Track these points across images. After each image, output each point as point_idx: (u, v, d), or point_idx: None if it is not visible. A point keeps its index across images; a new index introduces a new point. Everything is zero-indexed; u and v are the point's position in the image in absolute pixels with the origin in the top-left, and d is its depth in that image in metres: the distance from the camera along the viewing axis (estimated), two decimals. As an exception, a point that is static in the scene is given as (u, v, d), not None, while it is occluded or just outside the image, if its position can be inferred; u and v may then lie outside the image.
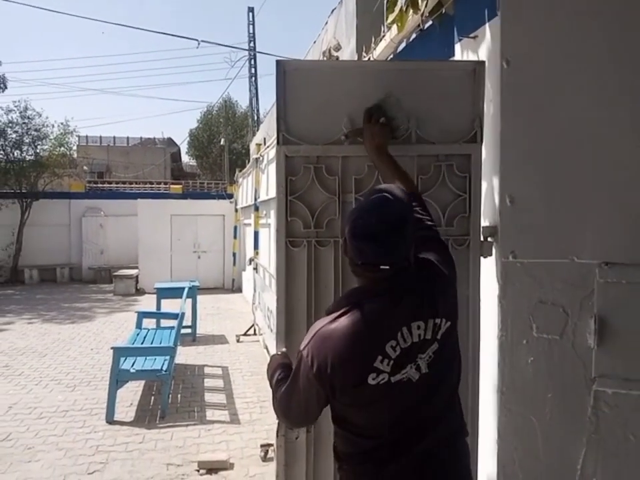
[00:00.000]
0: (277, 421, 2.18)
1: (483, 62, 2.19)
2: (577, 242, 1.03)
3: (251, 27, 23.65)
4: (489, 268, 2.28)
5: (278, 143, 2.11)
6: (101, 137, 36.20)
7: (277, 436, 2.13)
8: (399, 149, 2.15)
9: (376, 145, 1.99)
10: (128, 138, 37.53)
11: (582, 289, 0.99)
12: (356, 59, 4.67)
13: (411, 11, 2.66)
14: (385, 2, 2.98)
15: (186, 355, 7.26)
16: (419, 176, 2.15)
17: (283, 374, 1.72)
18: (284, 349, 2.05)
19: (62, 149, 16.38)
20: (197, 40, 11.40)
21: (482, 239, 2.24)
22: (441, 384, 1.55)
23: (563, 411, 0.99)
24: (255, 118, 24.64)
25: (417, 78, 2.16)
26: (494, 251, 2.28)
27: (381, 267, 1.44)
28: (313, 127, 2.13)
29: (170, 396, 5.42)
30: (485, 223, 2.28)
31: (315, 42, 7.16)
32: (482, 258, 2.24)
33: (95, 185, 18.56)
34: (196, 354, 7.46)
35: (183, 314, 6.17)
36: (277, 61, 2.11)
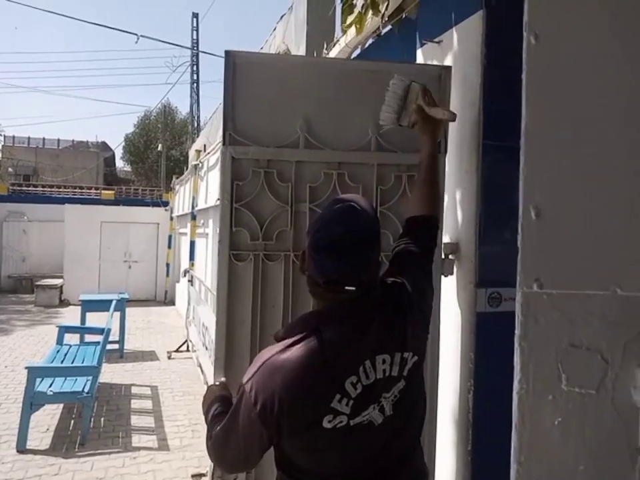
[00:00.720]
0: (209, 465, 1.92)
1: (449, 67, 2.06)
2: (621, 268, 0.81)
3: (194, 32, 23.23)
4: (449, 288, 2.14)
5: (224, 143, 1.87)
6: (29, 137, 34.33)
7: (212, 478, 1.85)
8: (357, 156, 1.97)
9: (438, 137, 1.76)
10: (59, 140, 35.84)
11: (626, 329, 0.79)
12: (305, 65, 4.50)
13: (370, 12, 2.50)
14: (341, 5, 2.82)
15: (112, 373, 6.74)
16: (378, 186, 1.98)
17: (221, 409, 1.47)
18: (223, 379, 1.79)
19: (-18, 147, 15.23)
20: (135, 34, 10.89)
21: (443, 256, 2.10)
22: (406, 428, 1.34)
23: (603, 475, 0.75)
24: (196, 125, 24.07)
25: (379, 80, 1.99)
26: (455, 269, 2.15)
27: (346, 287, 1.23)
28: (264, 127, 1.91)
29: (92, 419, 4.94)
30: (445, 239, 2.14)
31: (262, 48, 6.96)
32: (442, 277, 2.11)
33: (19, 188, 17.36)
34: (123, 372, 6.94)
35: (109, 330, 5.69)
36: (227, 52, 1.87)
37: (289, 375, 1.20)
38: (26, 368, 4.67)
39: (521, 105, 1.09)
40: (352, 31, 2.83)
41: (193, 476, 3.86)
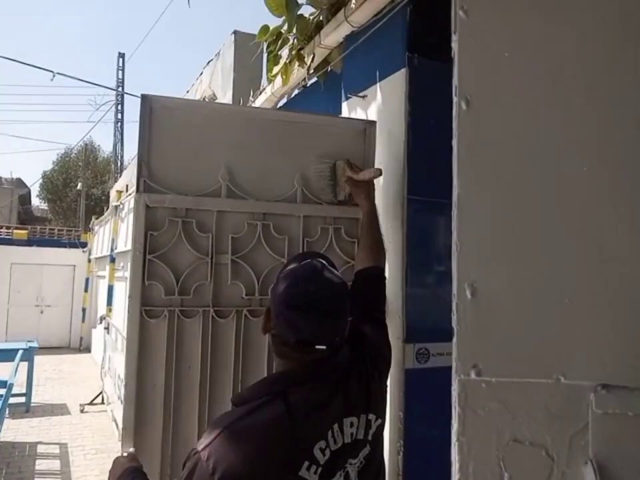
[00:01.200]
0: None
1: (374, 122, 2.07)
2: (565, 354, 0.75)
3: (120, 72, 22.82)
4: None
5: (137, 190, 1.75)
6: None
7: None
8: (283, 207, 1.91)
9: (373, 195, 1.83)
10: (-32, 175, 33.51)
11: (571, 422, 0.72)
12: (232, 110, 4.48)
13: (296, 64, 2.51)
14: (266, 55, 2.82)
15: (15, 430, 6.13)
16: (304, 238, 1.92)
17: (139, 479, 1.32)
18: (131, 449, 1.62)
19: None
20: (52, 71, 10.47)
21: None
22: None
23: None
24: (119, 164, 23.36)
25: (305, 132, 1.97)
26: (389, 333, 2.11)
27: (317, 346, 1.15)
28: (182, 175, 1.81)
29: (-14, 487, 4.43)
30: (371, 293, 2.10)
31: (188, 92, 6.88)
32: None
33: None
34: (28, 428, 6.34)
35: (12, 385, 5.18)
36: (143, 95, 1.78)
37: (253, 444, 1.08)
38: None
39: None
40: (278, 80, 2.82)
41: None
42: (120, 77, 22.66)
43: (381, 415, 1.27)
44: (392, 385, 2.02)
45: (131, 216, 7.28)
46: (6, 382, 5.33)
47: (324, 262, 1.24)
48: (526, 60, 0.95)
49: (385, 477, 1.34)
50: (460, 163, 0.95)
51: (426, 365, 2.02)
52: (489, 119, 0.94)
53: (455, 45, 0.98)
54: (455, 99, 0.97)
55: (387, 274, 2.09)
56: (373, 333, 1.39)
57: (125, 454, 1.59)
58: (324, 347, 1.15)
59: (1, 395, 5.37)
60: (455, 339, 0.88)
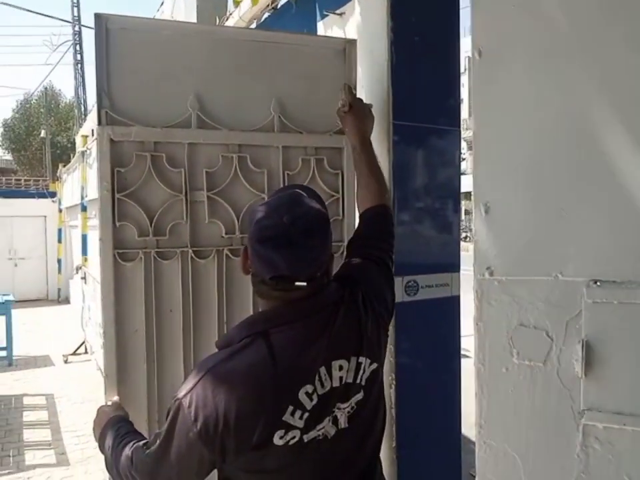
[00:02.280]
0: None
1: (354, 40, 1.92)
2: (562, 256, 0.91)
3: (75, 9, 21.44)
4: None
5: (99, 123, 1.60)
6: None
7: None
8: (259, 137, 1.78)
9: (367, 126, 1.67)
10: None
11: (567, 310, 0.91)
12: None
13: (266, -19, 2.30)
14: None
15: (0, 385, 6.11)
16: (284, 171, 1.80)
17: (125, 429, 1.27)
18: (115, 398, 1.56)
19: None
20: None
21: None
22: (363, 442, 1.21)
23: (548, 447, 0.89)
24: (82, 109, 22.41)
25: (280, 53, 1.81)
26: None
27: (297, 282, 1.08)
28: (148, 104, 1.66)
29: (-26, 440, 4.42)
30: (357, 226, 2.02)
31: (149, 23, 6.50)
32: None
33: None
34: (12, 381, 6.33)
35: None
36: (97, 15, 1.58)
37: (236, 387, 1.04)
38: None
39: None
40: (246, 3, 2.60)
41: (95, 493, 3.54)
42: (75, 13, 21.33)
43: (377, 359, 1.20)
44: (382, 318, 1.98)
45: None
46: (-16, 337, 5.26)
47: (302, 193, 1.15)
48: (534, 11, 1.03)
49: (384, 421, 1.29)
50: (475, 103, 1.09)
51: (415, 297, 1.97)
52: (500, 68, 1.08)
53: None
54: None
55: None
56: (372, 274, 1.31)
57: (109, 403, 1.54)
58: (304, 284, 1.08)
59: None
60: (474, 248, 1.07)
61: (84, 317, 7.54)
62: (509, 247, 0.97)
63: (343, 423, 1.13)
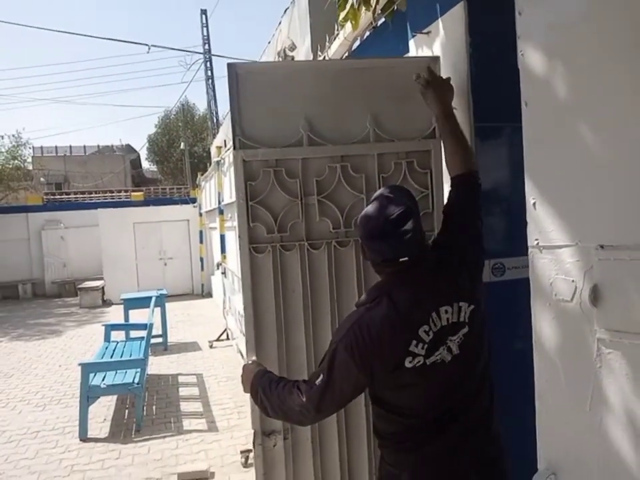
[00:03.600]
0: (253, 430, 2.15)
1: (437, 57, 2.21)
2: (581, 229, 1.23)
3: (204, 29, 23.35)
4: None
5: (234, 147, 2.07)
6: (56, 147, 35.18)
7: (254, 445, 2.09)
8: (358, 149, 2.15)
9: (447, 97, 2.00)
10: (85, 147, 36.54)
11: (585, 266, 1.20)
12: (311, 57, 4.64)
13: (364, 8, 2.65)
14: (337, 0, 2.96)
15: (158, 365, 7.13)
16: (380, 174, 2.15)
17: (275, 377, 1.74)
18: (254, 358, 2.02)
19: (15, 161, 15.82)
20: (147, 45, 11.14)
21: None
22: (473, 365, 1.63)
23: (577, 354, 1.24)
24: (215, 120, 24.31)
25: (373, 75, 2.16)
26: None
27: (400, 259, 1.53)
28: (269, 130, 2.10)
29: (144, 408, 5.31)
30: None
31: (269, 42, 7.10)
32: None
33: (52, 197, 18.00)
34: (169, 363, 7.33)
35: (152, 324, 6.04)
36: (229, 64, 2.06)
37: (375, 328, 1.52)
38: (79, 365, 5.05)
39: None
40: (349, 26, 2.97)
41: (241, 452, 4.16)
42: (205, 33, 23.19)
43: (473, 302, 1.61)
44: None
45: (232, 169, 7.82)
46: (146, 324, 6.22)
47: (389, 195, 1.58)
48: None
49: (489, 351, 1.70)
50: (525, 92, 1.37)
51: (502, 277, 2.22)
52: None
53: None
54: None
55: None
56: (464, 241, 1.71)
57: (250, 362, 1.99)
58: (406, 259, 1.53)
59: (143, 337, 6.28)
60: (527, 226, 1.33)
61: (225, 307, 8.37)
62: (548, 224, 1.30)
63: (455, 350, 1.56)
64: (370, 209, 1.60)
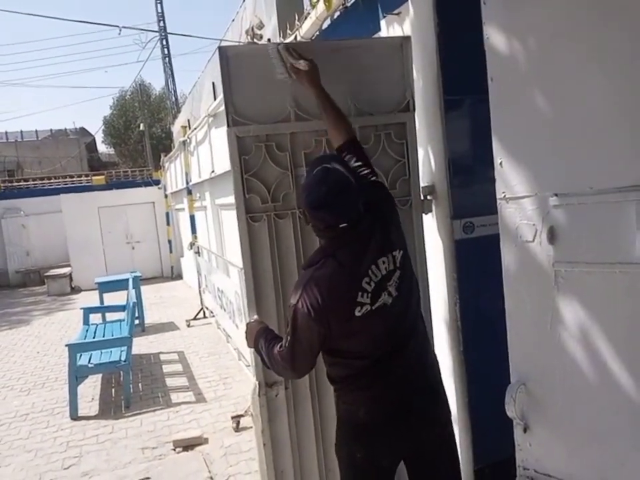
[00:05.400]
0: (254, 384, 2.38)
1: (409, 37, 2.41)
2: (539, 182, 1.44)
3: (159, 5, 22.77)
4: (430, 223, 2.57)
5: (228, 125, 2.23)
6: (6, 132, 33.95)
7: (259, 395, 2.32)
8: (341, 122, 2.34)
9: (316, 77, 2.14)
10: (37, 131, 35.38)
11: (542, 211, 1.42)
12: (279, 36, 4.77)
13: (336, -10, 2.83)
14: (307, -19, 3.11)
15: (138, 346, 7.21)
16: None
17: (271, 335, 1.95)
18: (256, 316, 2.23)
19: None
20: (117, 26, 10.85)
21: (422, 197, 2.51)
22: (409, 303, 1.86)
23: (539, 282, 1.46)
24: (173, 99, 23.92)
25: (350, 56, 2.34)
26: (433, 207, 2.56)
27: (340, 225, 1.72)
28: (259, 107, 2.26)
29: (131, 386, 5.46)
30: (423, 183, 2.54)
31: (233, 20, 7.13)
32: (424, 215, 2.52)
33: (10, 185, 17.47)
34: (148, 343, 7.45)
35: (135, 303, 6.16)
36: (219, 48, 2.22)
37: (325, 285, 1.72)
38: (66, 345, 5.15)
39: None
40: (321, 5, 3.14)
41: (232, 417, 4.38)
42: (159, 10, 22.63)
43: (401, 247, 1.85)
44: (445, 253, 2.52)
45: (200, 148, 7.88)
46: (124, 306, 6.33)
47: (329, 166, 1.74)
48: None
49: (418, 290, 1.96)
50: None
51: (472, 235, 2.49)
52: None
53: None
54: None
55: (432, 165, 2.52)
56: (376, 194, 1.91)
57: (253, 320, 2.20)
58: (345, 224, 1.72)
59: (121, 319, 6.39)
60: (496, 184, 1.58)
61: (201, 285, 8.50)
62: (513, 180, 1.53)
63: (393, 292, 1.79)
64: (311, 180, 1.75)
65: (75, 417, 4.92)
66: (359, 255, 1.75)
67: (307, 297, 1.71)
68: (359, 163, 2.00)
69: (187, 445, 4.11)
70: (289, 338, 1.77)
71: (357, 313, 1.73)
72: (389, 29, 2.68)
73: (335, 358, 1.85)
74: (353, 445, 1.89)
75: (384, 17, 2.67)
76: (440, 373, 1.99)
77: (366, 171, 1.99)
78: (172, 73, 23.51)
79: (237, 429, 4.31)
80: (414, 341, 1.87)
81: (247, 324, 2.15)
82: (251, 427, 3.85)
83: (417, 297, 1.94)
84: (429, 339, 1.97)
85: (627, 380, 1.34)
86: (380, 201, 1.90)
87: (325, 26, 3.52)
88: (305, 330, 1.73)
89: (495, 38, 1.56)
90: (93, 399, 5.40)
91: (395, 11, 2.56)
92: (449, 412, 2.01)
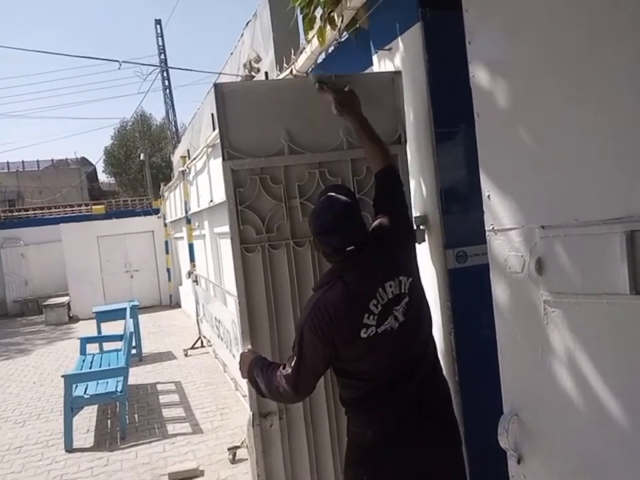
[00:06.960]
0: (248, 415, 2.37)
1: (400, 72, 2.48)
2: (526, 214, 1.48)
3: (159, 39, 23.23)
4: (424, 253, 2.59)
5: (223, 158, 2.29)
6: (8, 162, 34.29)
7: (253, 426, 2.31)
8: (333, 155, 2.40)
9: (357, 107, 2.24)
10: (38, 161, 35.72)
11: (530, 243, 1.45)
12: (275, 70, 4.88)
13: (329, 27, 2.91)
14: (301, 19, 3.21)
15: (135, 376, 7.17)
16: (354, 177, 2.41)
17: (267, 362, 1.98)
18: (249, 347, 2.24)
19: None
20: (117, 61, 11.05)
21: (415, 227, 2.54)
22: (417, 329, 1.91)
23: (528, 313, 1.48)
24: (174, 129, 24.23)
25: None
26: (426, 237, 2.60)
27: (347, 249, 1.80)
28: (254, 141, 2.32)
29: (127, 417, 5.40)
30: (415, 213, 2.58)
31: (232, 53, 7.29)
32: (417, 244, 2.54)
33: (10, 214, 17.56)
34: (145, 373, 7.40)
35: (132, 333, 6.13)
36: (215, 85, 2.28)
37: (333, 307, 1.78)
38: (62, 376, 5.11)
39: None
40: (315, 40, 3.23)
41: (229, 449, 4.33)
42: (160, 43, 23.08)
43: (410, 274, 1.91)
44: (439, 282, 2.53)
45: (200, 178, 7.97)
46: (121, 335, 6.31)
47: (334, 195, 1.85)
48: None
49: (430, 315, 2.00)
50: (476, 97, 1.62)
51: (465, 264, 2.51)
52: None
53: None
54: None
55: (425, 195, 2.56)
56: (393, 222, 1.99)
57: (246, 350, 2.21)
58: (352, 247, 1.81)
59: (118, 349, 6.35)
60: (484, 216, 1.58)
61: (199, 314, 8.48)
62: (500, 211, 1.56)
63: (400, 317, 1.84)
64: (318, 207, 1.87)
65: (69, 449, 4.86)
66: (366, 276, 1.82)
67: (314, 318, 1.77)
68: (388, 190, 2.10)
69: (183, 478, 4.06)
70: (295, 357, 1.81)
71: (363, 335, 1.78)
72: (381, 63, 2.75)
73: (345, 379, 1.90)
74: (358, 467, 1.91)
75: (376, 52, 2.75)
76: (450, 398, 2.02)
77: (390, 199, 2.08)
78: (172, 104, 23.84)
79: (234, 460, 4.26)
80: (423, 366, 1.91)
81: (241, 354, 2.16)
82: (247, 459, 3.82)
83: (429, 324, 1.99)
84: (440, 364, 2.02)
85: (617, 411, 1.35)
86: (394, 227, 1.98)
87: (320, 60, 3.61)
88: (310, 349, 1.78)
89: (480, 76, 1.61)
90: (88, 430, 5.34)
91: (386, 47, 2.63)
92: (459, 435, 2.04)
